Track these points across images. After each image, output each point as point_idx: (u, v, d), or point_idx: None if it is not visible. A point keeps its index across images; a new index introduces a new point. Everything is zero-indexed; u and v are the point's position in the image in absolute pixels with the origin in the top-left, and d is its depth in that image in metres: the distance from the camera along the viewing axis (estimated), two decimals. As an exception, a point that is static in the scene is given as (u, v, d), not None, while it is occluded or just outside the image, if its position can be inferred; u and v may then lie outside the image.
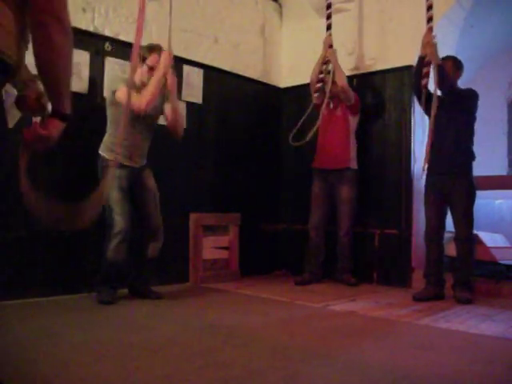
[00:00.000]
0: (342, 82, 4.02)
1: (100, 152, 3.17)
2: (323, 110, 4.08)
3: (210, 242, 4.13)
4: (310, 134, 4.04)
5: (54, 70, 1.31)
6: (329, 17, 4.20)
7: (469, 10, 4.07)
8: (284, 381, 1.74)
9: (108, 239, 3.07)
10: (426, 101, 3.53)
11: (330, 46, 4.14)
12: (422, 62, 3.50)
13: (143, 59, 3.15)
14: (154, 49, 3.17)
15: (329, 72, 4.13)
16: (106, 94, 3.30)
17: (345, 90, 4.02)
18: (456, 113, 3.43)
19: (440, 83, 3.37)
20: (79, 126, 3.38)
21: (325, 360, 2.00)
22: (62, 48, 1.28)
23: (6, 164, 1.34)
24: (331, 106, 4.19)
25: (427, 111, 3.57)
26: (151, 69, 3.14)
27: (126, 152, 3.14)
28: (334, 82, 4.05)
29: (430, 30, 3.46)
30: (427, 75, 3.51)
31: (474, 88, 3.53)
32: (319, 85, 4.20)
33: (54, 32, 1.25)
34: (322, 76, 4.20)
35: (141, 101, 3.02)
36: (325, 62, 4.17)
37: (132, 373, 1.79)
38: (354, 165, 4.10)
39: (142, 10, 1.88)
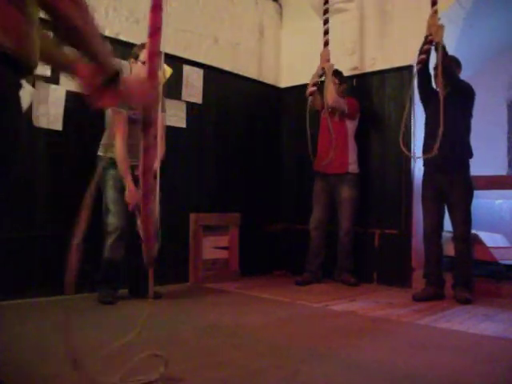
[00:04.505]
0: (330, 99, 4.01)
1: (99, 153, 3.19)
2: (322, 114, 4.12)
3: (209, 242, 4.13)
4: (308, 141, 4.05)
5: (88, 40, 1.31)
6: (326, 22, 4.19)
7: (468, 9, 4.07)
8: (284, 381, 1.74)
9: (105, 238, 3.12)
10: (428, 95, 3.55)
11: (328, 60, 4.12)
12: (426, 40, 3.45)
13: (136, 57, 3.19)
14: (145, 45, 3.21)
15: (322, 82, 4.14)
16: None
17: (334, 105, 4.03)
18: (454, 107, 3.41)
19: (443, 64, 3.33)
20: (79, 126, 3.38)
21: (325, 360, 2.00)
22: (79, 18, 1.27)
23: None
24: (329, 110, 4.19)
25: (423, 97, 3.63)
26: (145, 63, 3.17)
27: (127, 153, 3.15)
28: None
29: (435, 12, 3.40)
30: (426, 52, 3.46)
31: (473, 88, 3.53)
32: (314, 88, 4.18)
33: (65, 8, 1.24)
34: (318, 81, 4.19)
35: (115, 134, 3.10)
36: (321, 74, 4.14)
37: (132, 373, 1.79)
38: (353, 169, 4.11)
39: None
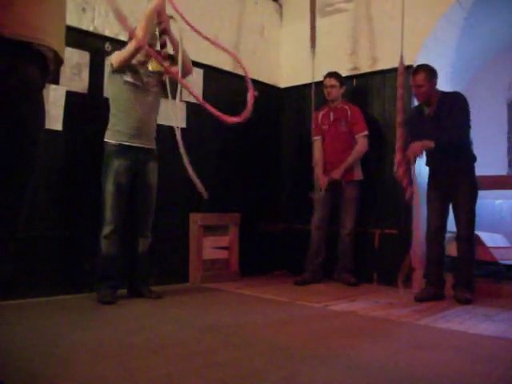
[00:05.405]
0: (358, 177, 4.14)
1: (105, 139, 3.17)
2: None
3: (209, 242, 4.13)
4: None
5: None
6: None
7: (469, 9, 4.07)
8: (284, 381, 1.74)
9: (100, 231, 3.13)
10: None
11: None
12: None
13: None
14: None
15: None
16: (106, 70, 3.32)
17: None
18: (450, 119, 3.40)
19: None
20: (80, 125, 3.38)
21: (325, 360, 2.00)
22: None
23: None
24: (331, 118, 4.18)
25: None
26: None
27: (133, 130, 3.16)
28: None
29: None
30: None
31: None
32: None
33: None
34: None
35: (136, 37, 2.96)
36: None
37: (132, 373, 1.79)
38: (358, 176, 4.13)
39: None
